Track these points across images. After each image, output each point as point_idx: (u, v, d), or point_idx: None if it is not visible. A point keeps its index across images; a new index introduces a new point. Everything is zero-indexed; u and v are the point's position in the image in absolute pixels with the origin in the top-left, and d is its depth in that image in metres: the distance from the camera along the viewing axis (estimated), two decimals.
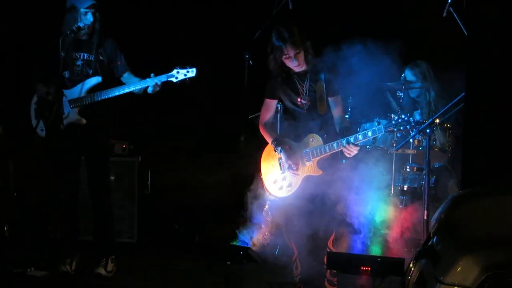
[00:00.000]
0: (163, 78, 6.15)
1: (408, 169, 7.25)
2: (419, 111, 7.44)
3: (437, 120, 6.41)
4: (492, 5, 5.16)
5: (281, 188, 5.84)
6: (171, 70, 6.16)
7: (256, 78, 6.38)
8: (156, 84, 6.12)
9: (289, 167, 5.71)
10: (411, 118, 5.36)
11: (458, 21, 6.15)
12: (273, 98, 5.93)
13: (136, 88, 6.17)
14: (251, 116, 7.24)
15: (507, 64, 5.12)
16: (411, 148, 7.02)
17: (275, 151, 5.81)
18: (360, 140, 5.45)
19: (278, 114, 6.98)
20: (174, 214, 8.44)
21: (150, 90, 6.16)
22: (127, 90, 6.20)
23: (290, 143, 5.79)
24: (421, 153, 6.91)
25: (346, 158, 5.72)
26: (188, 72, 6.16)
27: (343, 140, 5.46)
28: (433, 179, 6.98)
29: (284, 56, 5.62)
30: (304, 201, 5.62)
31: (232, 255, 5.44)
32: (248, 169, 6.67)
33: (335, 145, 5.51)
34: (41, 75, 6.41)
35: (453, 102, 6.22)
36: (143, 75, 6.21)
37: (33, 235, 7.47)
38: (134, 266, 6.94)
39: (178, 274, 6.70)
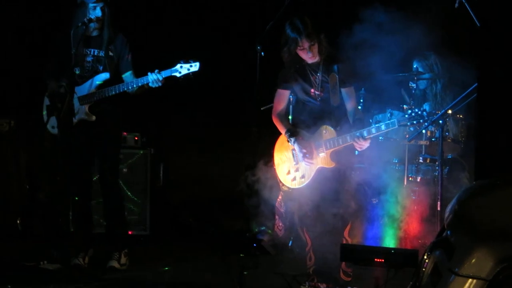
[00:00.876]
0: (166, 73, 6.13)
1: (421, 160, 7.24)
2: (429, 102, 7.42)
3: (450, 111, 6.39)
4: None
5: (294, 179, 5.82)
6: (175, 65, 6.14)
7: (268, 70, 6.36)
8: (158, 79, 6.11)
9: (304, 156, 5.68)
10: (424, 112, 5.33)
11: (470, 11, 6.10)
12: (286, 88, 5.92)
13: (143, 82, 6.16)
14: (263, 108, 7.22)
15: None
16: (424, 139, 7.01)
17: (288, 142, 5.79)
18: (373, 133, 5.44)
19: (291, 105, 6.97)
20: (187, 206, 8.45)
21: (151, 84, 6.15)
22: (135, 86, 6.20)
23: (303, 134, 5.77)
24: (434, 144, 6.90)
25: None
26: (191, 66, 6.13)
27: (356, 133, 5.44)
28: (446, 170, 6.95)
29: (298, 48, 5.61)
30: (317, 193, 5.59)
31: (246, 247, 5.44)
32: (261, 162, 6.65)
33: (348, 138, 5.49)
34: (53, 71, 6.42)
35: (466, 93, 6.19)
36: (151, 71, 6.18)
37: (46, 229, 7.48)
38: (147, 258, 6.93)
39: (191, 266, 6.70)
